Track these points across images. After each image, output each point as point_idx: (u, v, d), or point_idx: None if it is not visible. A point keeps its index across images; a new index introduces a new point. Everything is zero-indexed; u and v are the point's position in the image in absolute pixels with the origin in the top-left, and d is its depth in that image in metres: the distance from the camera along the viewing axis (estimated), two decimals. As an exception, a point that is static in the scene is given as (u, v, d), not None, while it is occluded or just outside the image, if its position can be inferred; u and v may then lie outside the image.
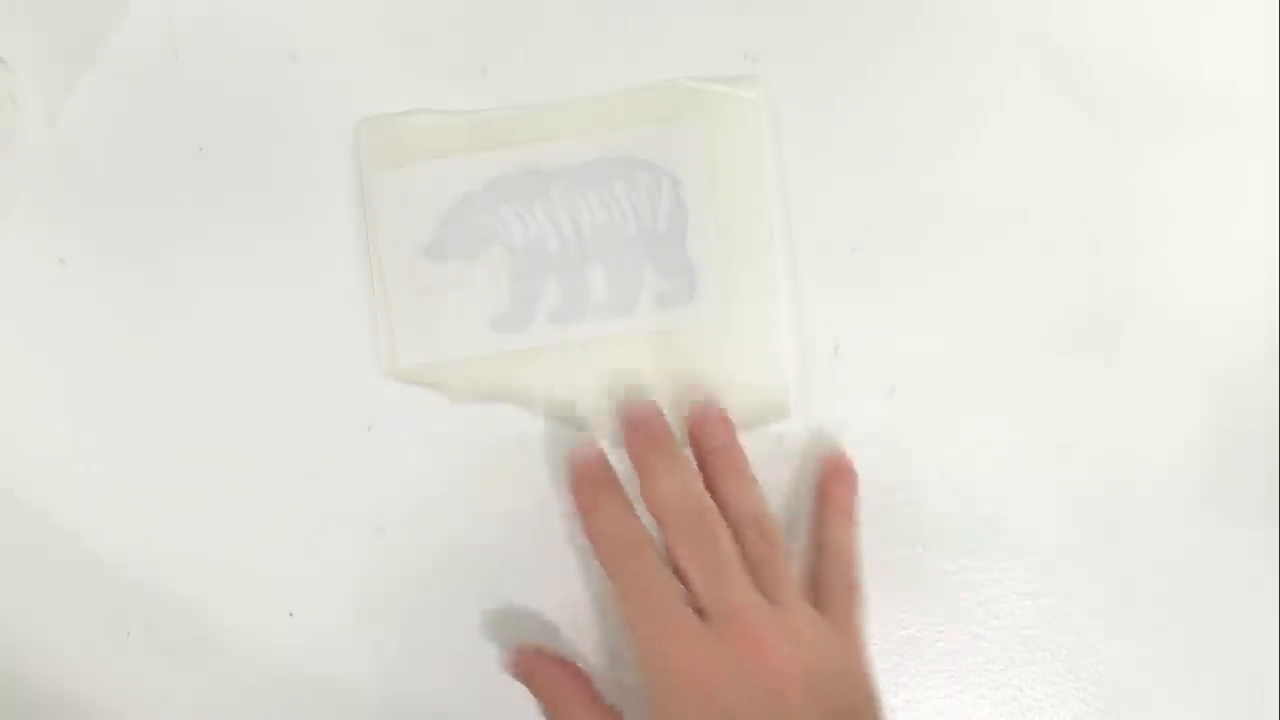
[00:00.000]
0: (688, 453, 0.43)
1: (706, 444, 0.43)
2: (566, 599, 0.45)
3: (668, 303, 0.45)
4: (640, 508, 0.41)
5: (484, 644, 0.45)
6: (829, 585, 0.42)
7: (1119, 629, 0.46)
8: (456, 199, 0.44)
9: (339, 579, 0.44)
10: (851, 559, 0.43)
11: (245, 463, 0.45)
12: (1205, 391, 0.46)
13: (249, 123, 0.44)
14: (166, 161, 0.43)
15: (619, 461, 0.42)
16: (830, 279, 0.45)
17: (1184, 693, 0.47)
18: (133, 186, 0.43)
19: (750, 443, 0.43)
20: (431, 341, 0.44)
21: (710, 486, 0.41)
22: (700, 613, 0.38)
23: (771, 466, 0.44)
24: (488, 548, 0.45)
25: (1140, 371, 0.46)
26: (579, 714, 0.40)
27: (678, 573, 0.39)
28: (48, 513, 0.45)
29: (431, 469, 0.44)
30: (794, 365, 0.45)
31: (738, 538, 0.40)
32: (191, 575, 0.45)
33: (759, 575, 0.39)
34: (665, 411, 0.43)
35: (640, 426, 0.42)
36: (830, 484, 0.44)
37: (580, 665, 0.42)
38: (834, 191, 0.45)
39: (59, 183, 0.43)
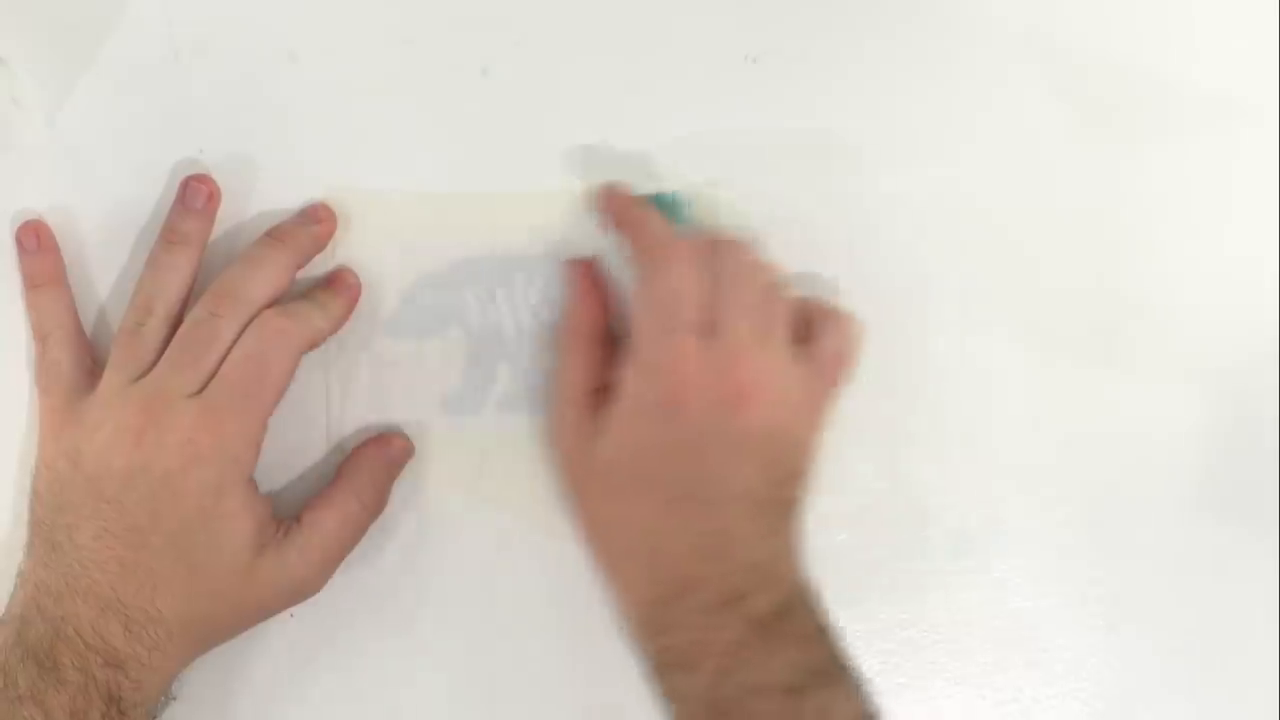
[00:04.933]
0: None
1: None
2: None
3: None
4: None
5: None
6: (824, 347, 0.41)
7: (1119, 629, 0.46)
8: (420, 277, 0.44)
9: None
10: (857, 330, 0.42)
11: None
12: (1205, 392, 0.47)
13: (249, 123, 0.44)
14: (167, 162, 0.43)
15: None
16: (830, 279, 0.45)
17: (1184, 693, 0.47)
18: (133, 188, 0.43)
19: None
20: (381, 416, 0.44)
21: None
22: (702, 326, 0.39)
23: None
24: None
25: (1140, 371, 0.46)
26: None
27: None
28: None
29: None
30: None
31: None
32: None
33: (758, 316, 0.40)
34: None
35: (617, 198, 0.43)
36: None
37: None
38: (834, 192, 0.45)
39: (59, 183, 0.43)
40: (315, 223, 0.43)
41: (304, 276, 0.43)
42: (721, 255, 0.40)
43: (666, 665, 0.38)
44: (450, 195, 0.44)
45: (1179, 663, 0.47)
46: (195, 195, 0.42)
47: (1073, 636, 0.46)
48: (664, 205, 0.44)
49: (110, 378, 0.40)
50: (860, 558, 0.46)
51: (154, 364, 0.40)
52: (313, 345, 0.41)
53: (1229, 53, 0.46)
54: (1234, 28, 0.46)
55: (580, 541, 0.42)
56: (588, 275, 0.43)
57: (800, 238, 0.45)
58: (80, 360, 0.42)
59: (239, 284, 0.40)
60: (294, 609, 0.43)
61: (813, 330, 0.41)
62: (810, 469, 0.40)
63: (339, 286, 0.43)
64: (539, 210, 0.45)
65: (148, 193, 0.43)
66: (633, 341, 0.40)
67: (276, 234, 0.42)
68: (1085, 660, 0.46)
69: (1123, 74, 0.46)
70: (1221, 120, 0.46)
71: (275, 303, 0.41)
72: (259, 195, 0.44)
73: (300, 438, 0.44)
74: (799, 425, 0.40)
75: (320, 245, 0.43)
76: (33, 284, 0.42)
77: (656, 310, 0.39)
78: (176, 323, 0.40)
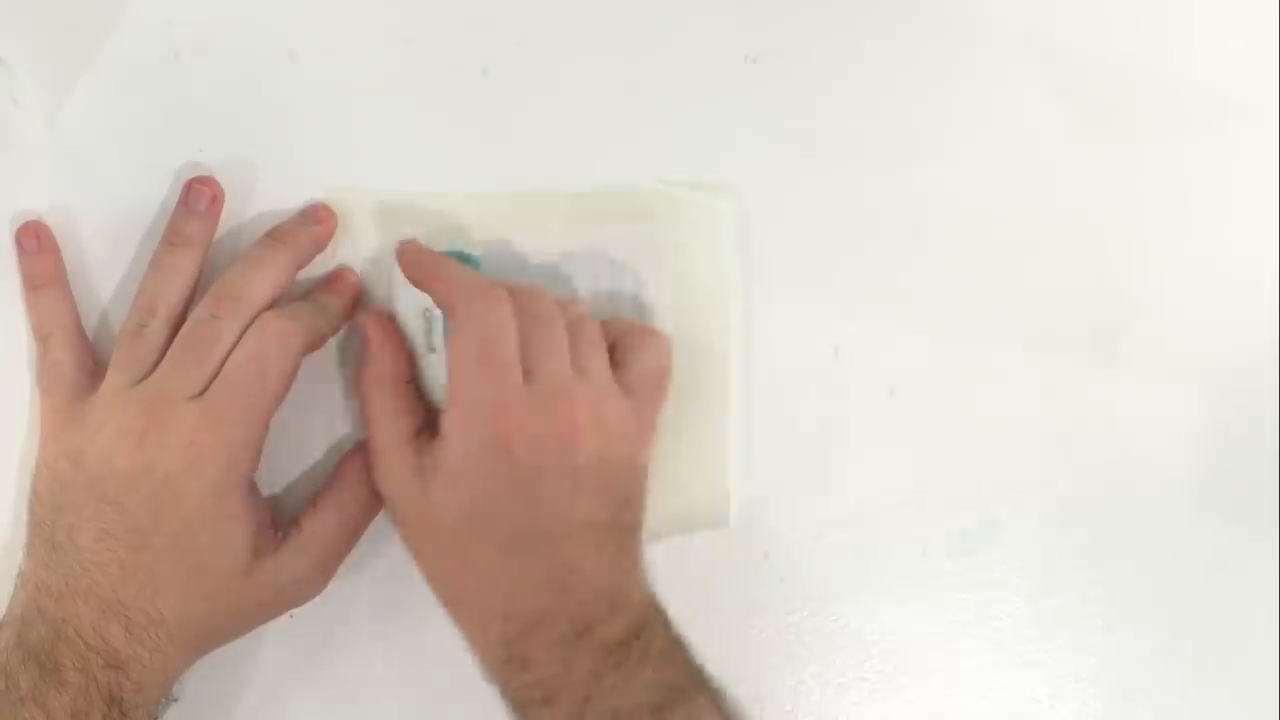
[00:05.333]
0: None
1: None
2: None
3: None
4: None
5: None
6: (640, 368, 0.41)
7: (1119, 629, 0.46)
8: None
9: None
10: (667, 345, 0.42)
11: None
12: (1205, 391, 0.47)
13: (249, 123, 0.44)
14: (167, 162, 0.43)
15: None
16: (830, 280, 0.45)
17: (1184, 692, 0.47)
18: (133, 188, 0.43)
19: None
20: None
21: None
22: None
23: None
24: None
25: (1140, 371, 0.46)
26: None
27: None
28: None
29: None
30: (739, 473, 0.45)
31: None
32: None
33: (571, 350, 0.40)
34: None
35: (417, 255, 0.42)
36: None
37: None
38: (834, 192, 0.45)
39: (59, 183, 0.43)
40: (316, 223, 0.43)
41: (304, 276, 0.43)
42: (524, 298, 0.40)
43: (527, 702, 0.38)
44: (450, 195, 0.44)
45: (1179, 663, 0.47)
46: (199, 197, 0.42)
47: (1073, 636, 0.46)
48: (457, 260, 0.43)
49: (112, 379, 0.40)
50: (860, 558, 0.46)
51: (156, 365, 0.40)
52: (314, 346, 0.41)
53: (1229, 53, 0.46)
54: (1234, 28, 0.46)
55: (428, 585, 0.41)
56: (382, 323, 0.42)
57: (800, 238, 0.45)
58: (82, 361, 0.42)
59: (240, 285, 0.40)
60: (294, 612, 0.43)
61: (624, 353, 0.41)
62: (644, 489, 0.40)
63: (339, 287, 0.43)
64: (539, 210, 0.45)
65: (148, 193, 0.43)
66: (452, 388, 0.39)
67: (277, 235, 0.42)
68: (1085, 660, 0.46)
69: (1123, 74, 0.46)
70: (1221, 120, 0.46)
71: (276, 303, 0.41)
72: (259, 195, 0.44)
73: (300, 438, 0.44)
74: (629, 450, 0.40)
75: (321, 245, 0.43)
76: (33, 285, 0.42)
77: (475, 355, 0.38)
78: (179, 324, 0.40)
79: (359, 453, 0.43)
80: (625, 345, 0.41)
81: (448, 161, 0.44)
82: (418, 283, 0.41)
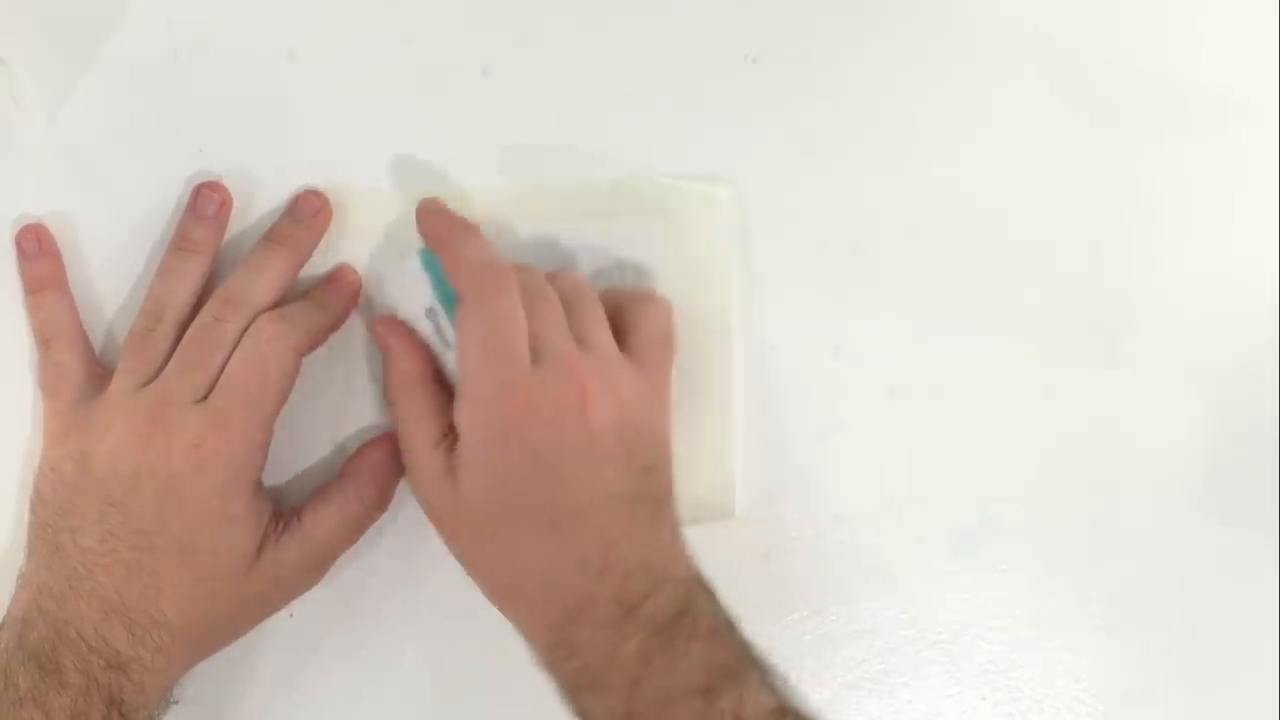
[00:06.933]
0: None
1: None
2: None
3: None
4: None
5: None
6: (643, 334, 0.41)
7: (1119, 629, 0.46)
8: (421, 276, 0.42)
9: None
10: (667, 309, 0.42)
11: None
12: (1205, 391, 0.47)
13: (249, 123, 0.44)
14: (167, 162, 0.43)
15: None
16: (830, 279, 0.45)
17: (1184, 693, 0.47)
18: (133, 188, 0.43)
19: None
20: (384, 414, 0.44)
21: None
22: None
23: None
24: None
25: (1140, 371, 0.46)
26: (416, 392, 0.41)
27: None
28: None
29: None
30: (742, 467, 0.45)
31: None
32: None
33: (572, 323, 0.40)
34: None
35: (437, 216, 0.41)
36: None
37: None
38: (834, 192, 0.45)
39: (59, 183, 0.43)
40: (311, 215, 0.43)
41: (305, 275, 0.43)
42: (524, 276, 0.40)
43: (577, 688, 0.38)
44: (451, 193, 0.44)
45: (1179, 663, 0.47)
46: (207, 203, 0.42)
47: (1073, 636, 0.46)
48: None
49: (119, 382, 0.40)
50: (861, 558, 0.46)
51: (162, 369, 0.40)
52: (314, 345, 0.41)
53: (1230, 53, 0.46)
54: (1235, 28, 0.46)
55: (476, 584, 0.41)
56: (395, 327, 0.42)
57: (800, 237, 0.45)
58: (86, 363, 0.42)
59: (243, 289, 0.40)
60: (295, 611, 0.43)
61: (626, 321, 0.41)
62: (669, 457, 0.40)
63: (339, 285, 0.43)
64: (539, 208, 0.45)
65: (148, 193, 0.43)
66: (461, 381, 0.39)
67: (275, 236, 0.42)
68: (1085, 660, 0.46)
69: (1123, 74, 0.46)
70: (1222, 120, 0.46)
71: (280, 304, 0.41)
72: (259, 195, 0.44)
73: (303, 437, 0.44)
74: (644, 416, 0.40)
75: (319, 236, 0.43)
76: (33, 288, 0.42)
77: (480, 344, 0.38)
78: (185, 329, 0.40)
79: (368, 451, 0.43)
80: (626, 313, 0.41)
81: (448, 161, 0.44)
82: (432, 246, 0.41)
